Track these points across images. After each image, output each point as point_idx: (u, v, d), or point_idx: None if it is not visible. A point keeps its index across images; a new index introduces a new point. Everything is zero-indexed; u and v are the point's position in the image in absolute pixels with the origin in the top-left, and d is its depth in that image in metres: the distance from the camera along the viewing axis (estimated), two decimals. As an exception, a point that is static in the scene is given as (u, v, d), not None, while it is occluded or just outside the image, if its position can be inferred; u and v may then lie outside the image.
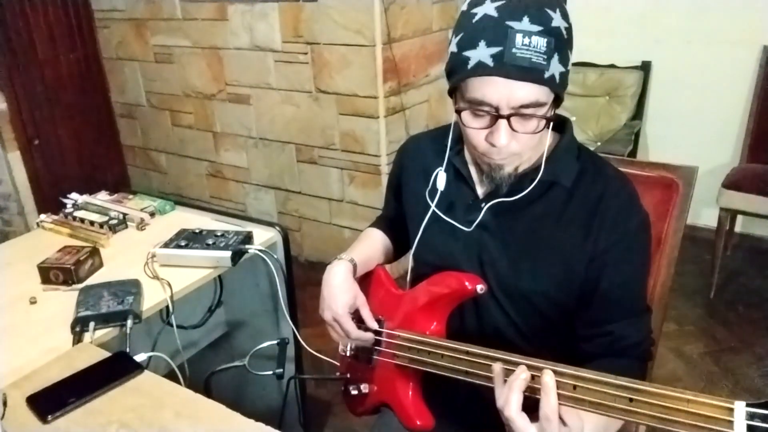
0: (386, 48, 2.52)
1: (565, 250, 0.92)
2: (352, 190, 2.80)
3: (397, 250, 1.26)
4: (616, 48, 2.99)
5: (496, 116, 0.82)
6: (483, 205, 0.97)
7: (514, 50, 0.77)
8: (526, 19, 0.77)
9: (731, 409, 0.61)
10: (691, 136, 2.98)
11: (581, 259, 0.91)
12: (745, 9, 2.71)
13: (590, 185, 0.93)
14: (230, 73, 3.00)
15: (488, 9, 0.80)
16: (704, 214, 2.93)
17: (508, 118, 0.82)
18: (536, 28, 0.77)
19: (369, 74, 2.54)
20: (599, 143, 2.87)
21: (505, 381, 0.76)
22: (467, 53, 0.81)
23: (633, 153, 2.93)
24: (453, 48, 0.85)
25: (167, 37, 3.16)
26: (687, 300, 2.58)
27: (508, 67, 0.78)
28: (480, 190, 0.99)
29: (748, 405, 0.61)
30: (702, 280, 2.68)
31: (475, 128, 0.86)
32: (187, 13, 3.01)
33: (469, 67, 0.81)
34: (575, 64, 3.00)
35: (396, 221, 1.22)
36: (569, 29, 0.82)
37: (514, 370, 0.76)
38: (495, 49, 0.78)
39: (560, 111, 0.92)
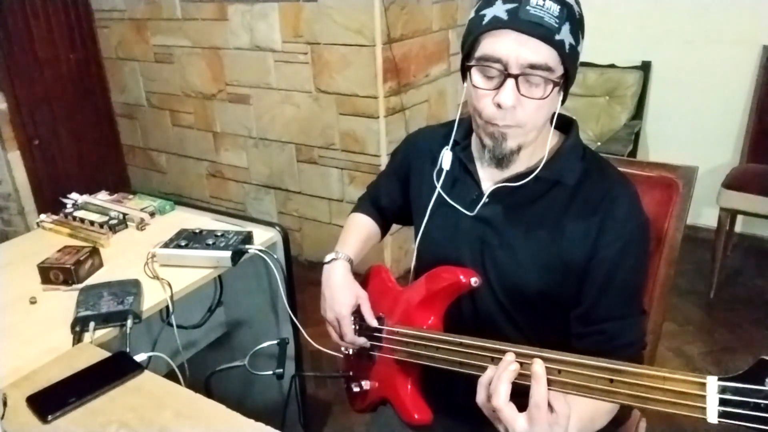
0: (386, 48, 2.52)
1: (564, 249, 0.92)
2: (352, 190, 2.80)
3: (383, 232, 1.29)
4: (616, 48, 2.99)
5: (504, 76, 0.84)
6: (485, 198, 0.98)
7: (528, 7, 0.81)
8: None
9: (704, 384, 0.63)
10: (691, 136, 2.97)
11: (580, 260, 0.92)
12: (745, 9, 2.71)
13: (594, 186, 0.93)
14: (230, 73, 3.00)
15: None
16: (704, 214, 2.93)
17: (516, 77, 0.83)
18: None
19: (369, 74, 2.54)
20: (599, 143, 2.87)
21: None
22: (484, 11, 0.85)
23: (633, 153, 2.93)
24: (471, 14, 0.88)
25: (167, 37, 3.16)
26: (687, 300, 2.58)
27: (521, 21, 0.81)
28: (485, 186, 0.99)
29: (720, 379, 0.62)
30: (702, 280, 2.68)
31: (482, 89, 0.87)
32: (187, 13, 3.01)
33: (484, 22, 0.84)
34: (575, 64, 3.01)
35: (389, 210, 1.24)
36: (581, 15, 0.86)
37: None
38: (510, 5, 0.82)
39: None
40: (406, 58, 2.66)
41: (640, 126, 2.97)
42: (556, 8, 0.81)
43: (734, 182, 2.48)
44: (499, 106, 0.85)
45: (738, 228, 2.89)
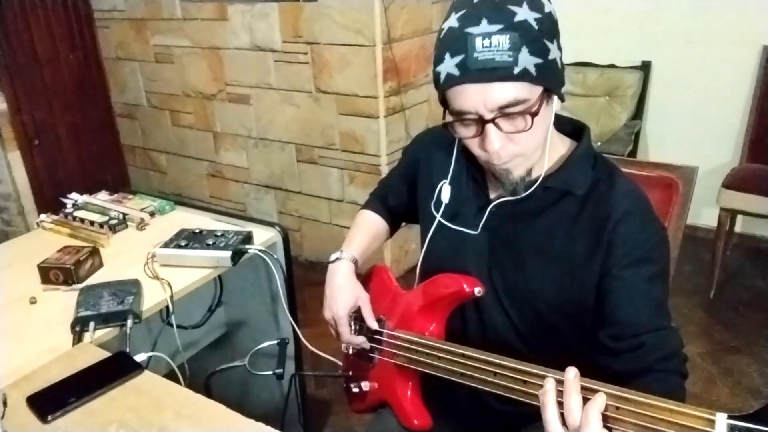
0: (386, 48, 2.52)
1: (574, 260, 0.90)
2: (352, 190, 2.80)
3: (392, 230, 1.28)
4: (616, 48, 2.99)
5: (481, 122, 0.82)
6: (492, 207, 0.96)
7: (475, 54, 0.77)
8: (484, 22, 0.77)
9: (712, 421, 0.61)
10: (691, 136, 2.98)
11: (592, 272, 0.88)
12: (745, 9, 2.71)
13: (602, 196, 0.90)
14: (230, 73, 3.00)
15: (452, 21, 0.82)
16: (704, 214, 2.93)
17: (493, 121, 0.81)
18: (495, 27, 0.77)
19: (369, 74, 2.54)
20: (599, 143, 2.87)
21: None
22: (438, 68, 0.83)
23: (633, 153, 2.93)
24: (432, 66, 0.86)
25: (167, 37, 3.16)
26: (687, 300, 2.58)
27: (472, 72, 0.78)
28: (493, 194, 0.98)
29: (729, 417, 0.61)
30: (702, 280, 2.68)
31: (467, 137, 0.86)
32: (187, 13, 3.01)
33: (441, 81, 0.82)
34: (575, 64, 3.01)
35: (397, 209, 1.23)
36: (542, 20, 0.79)
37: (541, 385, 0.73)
38: (458, 58, 0.79)
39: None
40: (406, 58, 2.65)
41: (640, 126, 2.97)
42: (505, 40, 0.76)
43: (734, 182, 2.48)
44: (487, 150, 0.84)
45: (738, 228, 2.89)
